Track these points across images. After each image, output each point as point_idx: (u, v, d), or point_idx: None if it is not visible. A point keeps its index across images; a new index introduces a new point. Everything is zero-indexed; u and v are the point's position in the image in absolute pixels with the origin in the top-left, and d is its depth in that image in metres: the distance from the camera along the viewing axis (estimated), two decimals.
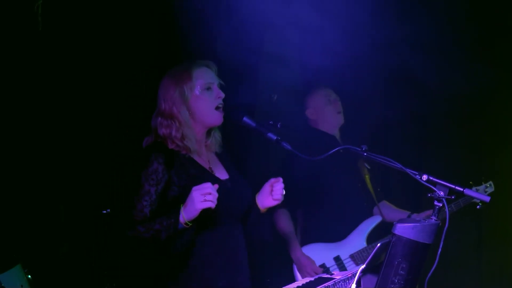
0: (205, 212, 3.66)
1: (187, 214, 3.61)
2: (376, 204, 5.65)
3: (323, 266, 5.35)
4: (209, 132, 4.00)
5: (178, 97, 3.87)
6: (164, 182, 3.76)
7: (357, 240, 5.47)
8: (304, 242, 5.48)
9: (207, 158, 3.98)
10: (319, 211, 5.48)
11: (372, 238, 5.46)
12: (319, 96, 5.72)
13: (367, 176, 5.69)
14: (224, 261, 3.84)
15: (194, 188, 3.58)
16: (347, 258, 5.40)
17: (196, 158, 3.91)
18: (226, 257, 3.86)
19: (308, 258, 5.33)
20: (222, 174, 3.99)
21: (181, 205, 3.64)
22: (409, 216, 5.47)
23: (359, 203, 5.60)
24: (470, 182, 5.60)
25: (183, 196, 3.71)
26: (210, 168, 3.95)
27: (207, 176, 3.86)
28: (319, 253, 5.38)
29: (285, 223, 5.44)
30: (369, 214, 5.61)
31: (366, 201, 5.65)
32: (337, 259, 5.39)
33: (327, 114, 5.67)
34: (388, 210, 5.68)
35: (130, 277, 5.35)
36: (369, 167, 5.73)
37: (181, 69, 3.95)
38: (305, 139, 5.21)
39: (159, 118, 3.90)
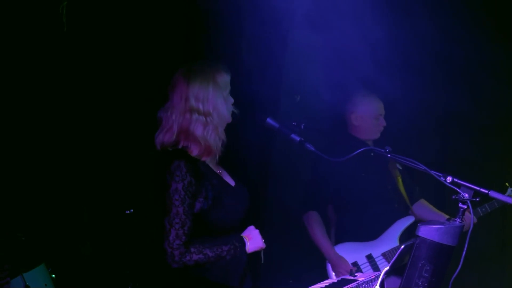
0: (224, 218, 3.72)
1: (252, 245, 3.76)
2: (409, 206, 5.64)
3: (355, 264, 5.37)
4: None
5: (215, 95, 3.80)
6: (192, 194, 3.74)
7: (390, 239, 5.47)
8: (337, 242, 5.50)
9: (216, 163, 3.95)
10: (350, 212, 5.48)
11: (405, 237, 5.46)
12: (372, 108, 5.64)
13: (399, 178, 5.68)
14: (235, 266, 3.83)
15: (254, 229, 3.76)
16: (379, 256, 5.41)
17: (211, 165, 3.89)
18: (238, 264, 3.85)
19: (341, 257, 5.35)
20: (229, 180, 3.96)
21: (242, 236, 3.77)
22: (448, 220, 5.46)
23: (390, 204, 5.58)
24: (506, 184, 5.59)
25: (210, 209, 3.71)
26: (220, 173, 3.93)
27: (225, 186, 3.83)
28: (351, 252, 5.40)
29: (316, 225, 5.45)
30: (400, 215, 5.59)
31: (397, 203, 5.63)
32: (369, 257, 5.40)
33: (371, 128, 5.62)
34: (424, 211, 5.68)
35: (152, 277, 5.37)
36: (401, 168, 5.71)
37: (212, 68, 3.89)
38: (333, 141, 5.22)
39: (195, 115, 3.79)
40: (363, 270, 5.35)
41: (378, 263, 5.40)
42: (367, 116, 5.62)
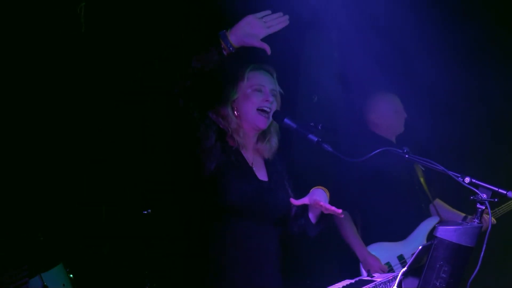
0: (233, 207, 3.76)
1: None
2: (431, 204, 5.66)
3: (388, 264, 5.35)
4: (264, 136, 4.03)
5: (226, 96, 3.98)
6: (210, 132, 3.83)
7: (418, 239, 5.47)
8: (365, 242, 5.47)
9: (252, 157, 3.99)
10: (377, 212, 5.46)
11: (431, 238, 5.43)
12: (388, 103, 5.74)
13: (421, 178, 5.68)
14: (244, 260, 3.84)
15: None
16: (410, 257, 5.38)
17: (243, 151, 3.96)
18: (246, 256, 3.85)
19: (375, 257, 5.33)
20: (261, 175, 3.99)
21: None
22: (464, 219, 5.48)
23: (417, 204, 5.59)
24: None
25: (216, 179, 3.79)
26: (252, 164, 3.96)
27: (247, 170, 3.89)
28: (383, 252, 5.39)
29: (348, 224, 5.43)
30: (427, 215, 5.60)
31: (424, 203, 5.65)
32: (401, 258, 5.39)
33: (393, 122, 5.68)
34: (442, 210, 5.68)
35: (170, 277, 5.38)
36: (423, 169, 5.72)
37: (238, 69, 4.01)
38: (357, 141, 5.20)
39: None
40: (395, 271, 5.33)
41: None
42: (387, 112, 5.67)
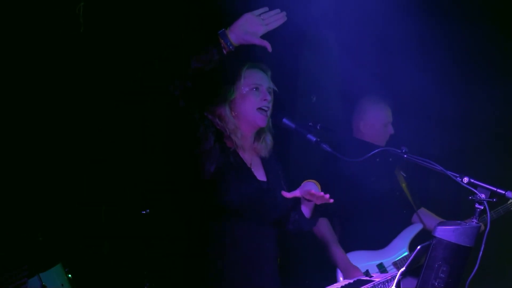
0: (233, 208, 3.76)
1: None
2: (415, 212, 5.59)
3: (366, 273, 5.27)
4: (259, 135, 4.03)
5: (223, 96, 3.98)
6: (209, 133, 3.83)
7: (399, 247, 5.39)
8: (344, 250, 5.37)
9: (250, 158, 3.99)
10: (357, 219, 5.35)
11: (414, 246, 5.38)
12: (381, 115, 5.55)
13: (403, 185, 5.62)
14: (244, 260, 3.84)
15: None
16: (390, 265, 5.32)
17: (240, 153, 3.95)
18: (246, 257, 3.85)
19: (355, 266, 5.18)
20: (260, 175, 3.99)
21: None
22: None
23: (398, 211, 5.51)
24: None
25: (216, 180, 3.78)
26: (250, 164, 3.97)
27: (246, 171, 3.89)
28: (362, 260, 5.27)
29: (326, 231, 5.30)
30: (408, 222, 5.54)
31: (405, 209, 5.57)
32: (381, 266, 5.31)
33: (379, 136, 5.52)
34: (427, 218, 5.60)
35: (169, 277, 5.38)
36: (405, 175, 5.65)
37: (235, 68, 4.01)
38: (346, 144, 5.17)
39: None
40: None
41: (389, 272, 5.31)
42: (376, 124, 5.53)
